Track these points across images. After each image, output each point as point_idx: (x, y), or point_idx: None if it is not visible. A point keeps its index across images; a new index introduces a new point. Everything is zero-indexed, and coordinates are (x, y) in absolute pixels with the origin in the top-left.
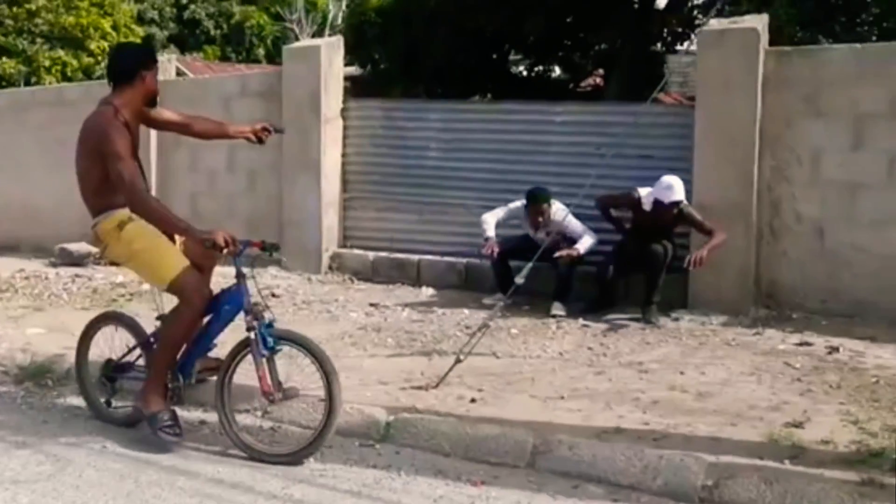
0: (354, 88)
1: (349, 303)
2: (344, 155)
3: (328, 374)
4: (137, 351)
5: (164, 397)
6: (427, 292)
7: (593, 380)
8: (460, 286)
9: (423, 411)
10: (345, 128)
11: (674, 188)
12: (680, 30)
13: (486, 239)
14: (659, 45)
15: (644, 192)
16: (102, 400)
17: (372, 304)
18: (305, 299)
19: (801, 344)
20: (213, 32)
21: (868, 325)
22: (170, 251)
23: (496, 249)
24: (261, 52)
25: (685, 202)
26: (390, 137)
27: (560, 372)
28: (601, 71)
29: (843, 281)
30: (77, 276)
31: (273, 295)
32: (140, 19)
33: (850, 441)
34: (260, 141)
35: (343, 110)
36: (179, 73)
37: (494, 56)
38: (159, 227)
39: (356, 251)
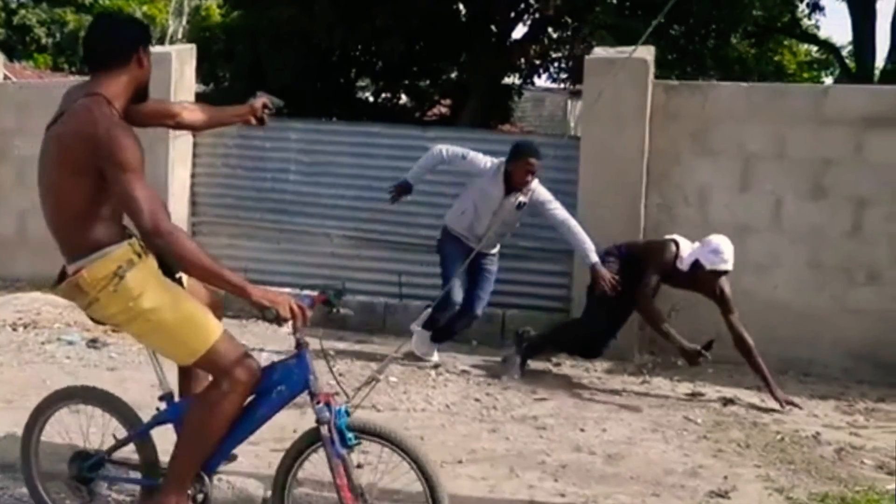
0: None
1: None
2: (193, 175)
3: (431, 481)
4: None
5: None
6: (285, 330)
7: (489, 438)
8: (322, 323)
9: (303, 482)
10: (195, 145)
11: (722, 254)
12: (537, 62)
13: (405, 185)
14: (517, 76)
15: (685, 244)
16: None
17: None
18: None
19: (692, 394)
20: (44, 41)
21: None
22: (196, 311)
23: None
24: None
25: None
26: (245, 157)
27: (450, 428)
28: (447, 101)
29: None
30: None
31: (108, 332)
32: None
33: None
34: (261, 122)
35: None
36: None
37: (342, 80)
38: (198, 277)
39: None
